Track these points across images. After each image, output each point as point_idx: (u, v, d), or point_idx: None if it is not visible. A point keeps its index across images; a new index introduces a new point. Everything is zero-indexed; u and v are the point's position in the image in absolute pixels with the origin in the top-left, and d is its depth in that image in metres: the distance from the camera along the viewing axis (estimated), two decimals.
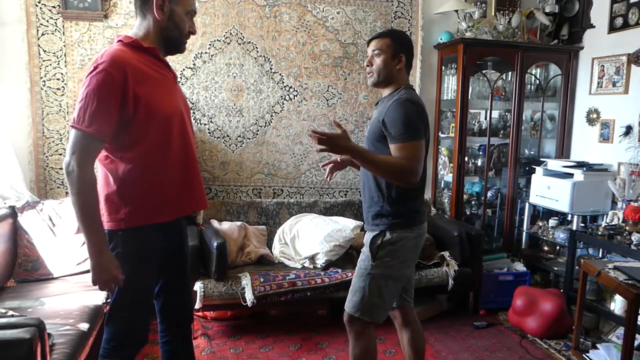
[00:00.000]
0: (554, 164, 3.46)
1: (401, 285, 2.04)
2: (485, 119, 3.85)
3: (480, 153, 3.85)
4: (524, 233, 3.71)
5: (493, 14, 3.73)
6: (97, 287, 1.60)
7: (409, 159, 1.81)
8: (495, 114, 3.87)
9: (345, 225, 3.23)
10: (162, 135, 1.64)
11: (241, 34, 3.46)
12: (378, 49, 1.95)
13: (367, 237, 2.00)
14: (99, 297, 2.46)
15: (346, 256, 3.19)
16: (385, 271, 1.93)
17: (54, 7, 3.15)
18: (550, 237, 3.46)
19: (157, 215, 1.68)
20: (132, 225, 1.63)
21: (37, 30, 3.16)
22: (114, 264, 1.59)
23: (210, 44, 3.43)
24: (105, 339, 1.72)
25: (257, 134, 3.58)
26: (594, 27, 3.57)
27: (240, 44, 3.47)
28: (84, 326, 2.15)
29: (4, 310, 2.05)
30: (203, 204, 1.86)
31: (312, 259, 3.12)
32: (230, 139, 3.54)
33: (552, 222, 3.49)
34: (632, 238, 2.75)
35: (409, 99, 1.87)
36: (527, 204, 3.68)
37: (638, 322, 2.25)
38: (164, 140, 1.65)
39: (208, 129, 3.51)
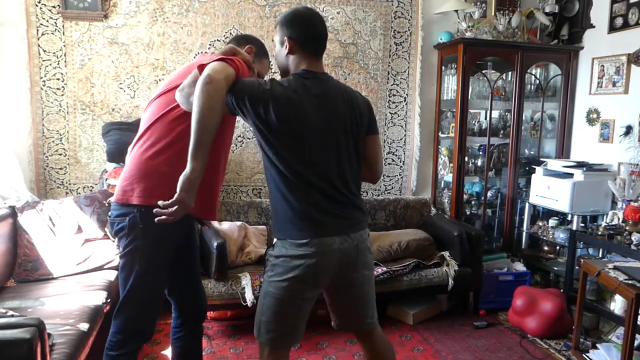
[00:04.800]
0: (554, 164, 3.46)
1: (299, 312, 1.65)
2: (485, 119, 3.85)
3: (480, 153, 3.85)
4: (524, 233, 3.71)
5: (493, 14, 3.72)
6: (174, 209, 1.47)
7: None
8: (495, 114, 3.87)
9: None
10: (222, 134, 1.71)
11: (241, 33, 3.46)
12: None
13: None
14: (99, 297, 2.46)
15: None
16: (267, 288, 1.63)
17: (54, 7, 3.15)
18: (550, 237, 3.46)
19: None
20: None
21: (37, 30, 3.15)
22: (193, 202, 1.50)
23: (210, 44, 3.42)
24: (112, 331, 1.74)
25: None
26: (594, 27, 3.57)
27: None
28: (84, 326, 2.15)
29: (4, 310, 2.05)
30: (214, 214, 1.88)
31: None
32: None
33: (552, 222, 3.49)
34: (632, 238, 2.75)
35: (274, 80, 1.59)
36: (527, 204, 3.68)
37: (638, 322, 2.25)
38: (221, 140, 1.73)
39: None
